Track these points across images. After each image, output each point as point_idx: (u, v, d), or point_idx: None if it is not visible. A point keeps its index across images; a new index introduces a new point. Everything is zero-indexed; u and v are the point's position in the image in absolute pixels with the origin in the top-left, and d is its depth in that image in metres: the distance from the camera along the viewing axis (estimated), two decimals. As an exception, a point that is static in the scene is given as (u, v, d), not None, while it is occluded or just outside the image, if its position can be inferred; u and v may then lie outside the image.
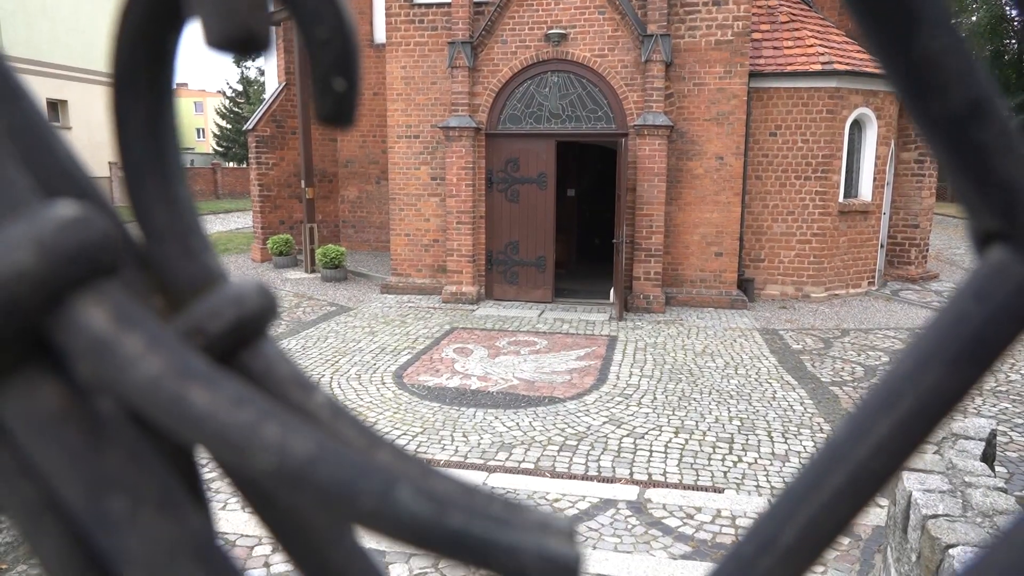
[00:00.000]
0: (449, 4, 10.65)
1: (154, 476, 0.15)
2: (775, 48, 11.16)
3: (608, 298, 10.75)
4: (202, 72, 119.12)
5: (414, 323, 9.66)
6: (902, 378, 0.18)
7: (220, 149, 50.08)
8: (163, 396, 0.14)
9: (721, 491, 4.63)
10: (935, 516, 2.64)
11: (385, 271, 13.16)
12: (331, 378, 7.09)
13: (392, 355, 8.03)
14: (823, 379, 7.23)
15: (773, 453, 5.31)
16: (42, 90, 23.21)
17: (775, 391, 6.79)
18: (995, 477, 3.79)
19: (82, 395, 0.15)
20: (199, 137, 65.50)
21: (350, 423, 0.16)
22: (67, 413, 0.15)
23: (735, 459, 5.19)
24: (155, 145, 0.18)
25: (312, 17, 0.16)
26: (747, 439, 5.58)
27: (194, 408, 0.14)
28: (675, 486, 4.72)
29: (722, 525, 4.08)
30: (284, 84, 14.86)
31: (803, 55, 10.93)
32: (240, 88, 51.00)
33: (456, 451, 5.31)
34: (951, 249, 17.72)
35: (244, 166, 44.37)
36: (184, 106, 64.97)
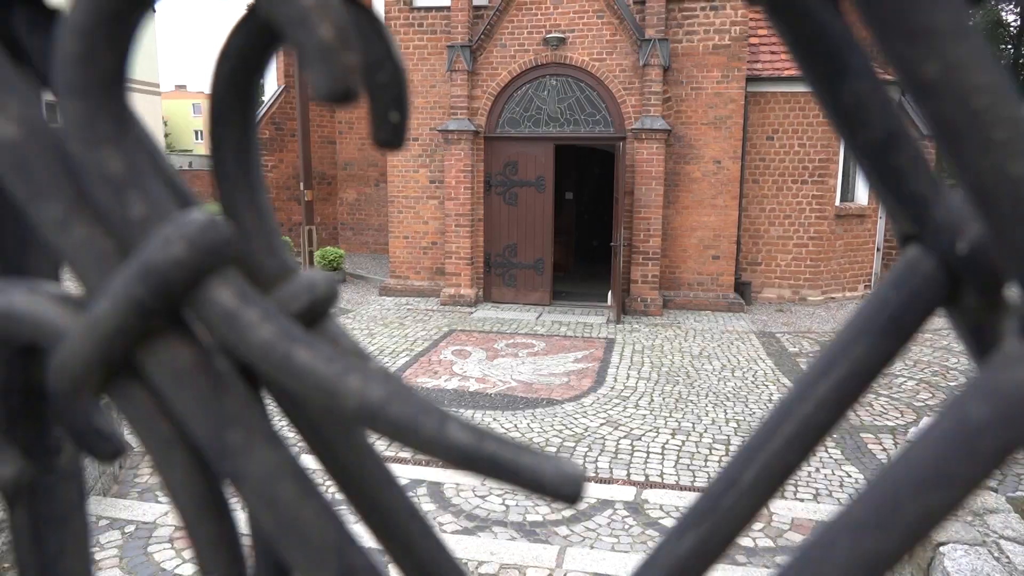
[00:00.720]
0: (448, 8, 10.71)
1: (261, 415, 0.20)
2: (772, 52, 11.23)
3: (606, 301, 10.81)
4: (201, 74, 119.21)
5: (412, 325, 9.70)
6: (837, 349, 0.22)
7: (218, 151, 50.16)
8: (275, 354, 0.18)
9: (717, 492, 4.67)
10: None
11: (383, 273, 13.20)
12: (330, 380, 7.13)
13: (391, 357, 8.07)
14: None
15: (769, 454, 5.35)
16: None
17: (772, 394, 6.84)
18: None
19: (207, 354, 0.19)
20: (197, 139, 65.59)
21: (400, 382, 0.20)
22: (197, 367, 0.19)
23: (730, 459, 5.23)
24: (244, 164, 0.22)
25: (375, 65, 0.20)
26: (743, 441, 5.61)
27: (298, 363, 0.18)
28: (672, 487, 4.77)
29: (718, 525, 4.13)
30: (283, 87, 14.91)
31: (800, 60, 11.00)
32: (239, 90, 51.12)
33: (455, 452, 5.36)
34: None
35: (242, 168, 44.48)
36: (182, 108, 65.00)
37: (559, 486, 0.19)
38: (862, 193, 11.58)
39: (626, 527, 4.07)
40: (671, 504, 4.42)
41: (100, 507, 4.00)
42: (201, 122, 66.75)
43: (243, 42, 0.20)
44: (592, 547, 3.77)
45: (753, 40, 11.16)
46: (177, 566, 3.40)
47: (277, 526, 0.18)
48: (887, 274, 0.23)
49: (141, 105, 27.84)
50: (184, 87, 69.86)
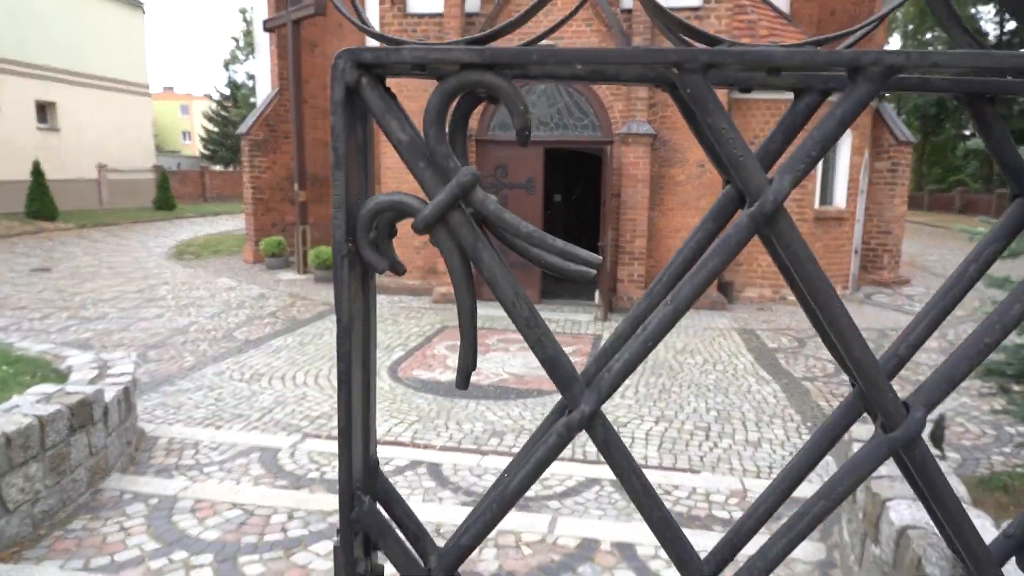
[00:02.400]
0: (442, 15, 11.03)
1: (485, 241, 0.52)
2: (754, 61, 11.61)
3: (593, 299, 11.14)
4: (188, 76, 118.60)
5: (406, 322, 9.99)
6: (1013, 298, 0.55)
7: (207, 152, 50.04)
8: (503, 217, 0.50)
9: (697, 472, 5.01)
10: (878, 477, 3.03)
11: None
12: (329, 372, 7.41)
13: (386, 351, 8.36)
14: (796, 375, 7.65)
15: (747, 440, 5.70)
16: (31, 92, 23.29)
17: (750, 385, 7.19)
18: (943, 456, 4.21)
19: (470, 217, 0.51)
20: (185, 140, 65.26)
21: (532, 228, 0.52)
22: (466, 221, 0.52)
23: (711, 445, 5.58)
24: (462, 154, 0.54)
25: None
26: (723, 427, 5.98)
27: (511, 221, 0.50)
28: (655, 468, 5.10)
29: (697, 500, 4.46)
30: (278, 90, 15.14)
31: (781, 68, 11.40)
32: (228, 92, 51.05)
33: (451, 437, 5.66)
34: (924, 255, 18.31)
35: (231, 169, 44.43)
36: (170, 109, 64.61)
37: (588, 259, 0.50)
38: (840, 197, 12.00)
39: (612, 501, 4.39)
40: (655, 482, 4.72)
41: (122, 483, 4.28)
42: (188, 123, 66.68)
43: (466, 102, 0.52)
44: (580, 517, 4.10)
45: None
46: (200, 532, 3.69)
47: (491, 282, 0.50)
48: (998, 220, 0.56)
49: (132, 107, 27.88)
50: (171, 88, 69.58)
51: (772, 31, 12.16)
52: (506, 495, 0.74)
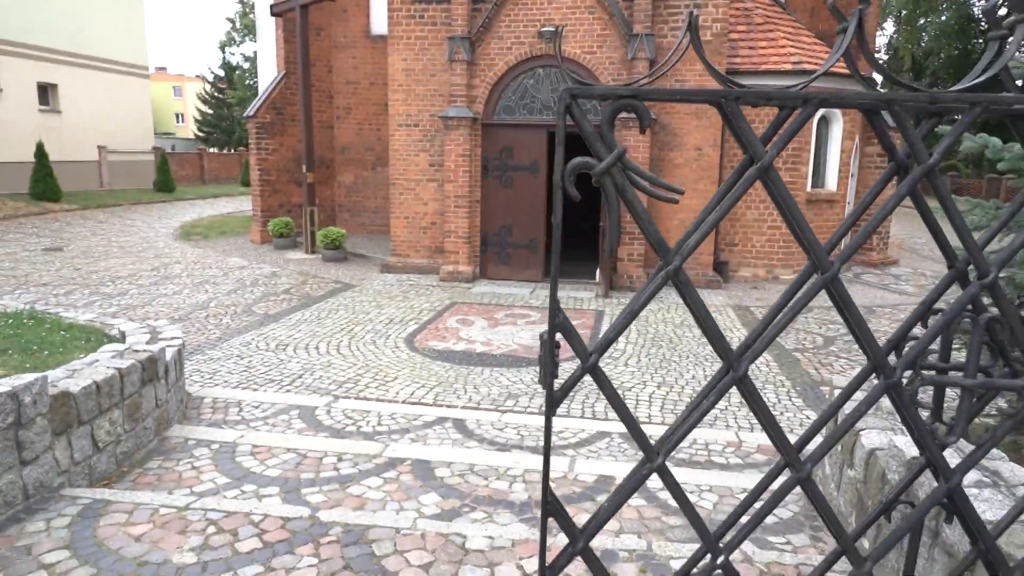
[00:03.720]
0: (449, 1, 11.38)
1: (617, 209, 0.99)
2: (750, 48, 12.06)
3: (594, 278, 11.63)
4: (179, 56, 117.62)
5: (416, 298, 10.45)
6: None
7: (201, 134, 50.00)
8: (637, 169, 0.96)
9: (699, 428, 5.52)
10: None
11: (382, 252, 13.90)
12: (349, 342, 7.88)
13: (400, 325, 8.82)
14: (787, 347, 8.17)
15: (741, 402, 6.21)
16: (33, 74, 23.42)
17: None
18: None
19: (622, 170, 0.98)
20: (179, 122, 65.13)
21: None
22: (620, 172, 0.98)
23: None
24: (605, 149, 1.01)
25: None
26: (725, 404, 6.48)
27: (642, 172, 0.96)
28: (658, 424, 5.61)
29: (697, 449, 4.97)
30: (284, 73, 15.45)
31: (776, 55, 11.85)
32: (222, 73, 50.93)
33: (470, 399, 6.14)
34: (912, 238, 18.87)
35: (227, 152, 44.52)
36: (162, 90, 64.25)
37: (674, 189, 0.97)
38: (832, 180, 12.49)
39: (622, 449, 4.89)
40: (657, 435, 5.25)
41: (183, 432, 4.75)
42: (181, 105, 66.48)
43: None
44: (596, 460, 4.60)
45: (733, 35, 11.98)
46: (263, 470, 4.16)
47: (632, 208, 0.96)
48: None
49: (131, 89, 28.00)
50: (164, 69, 69.23)
51: (767, 19, 12.57)
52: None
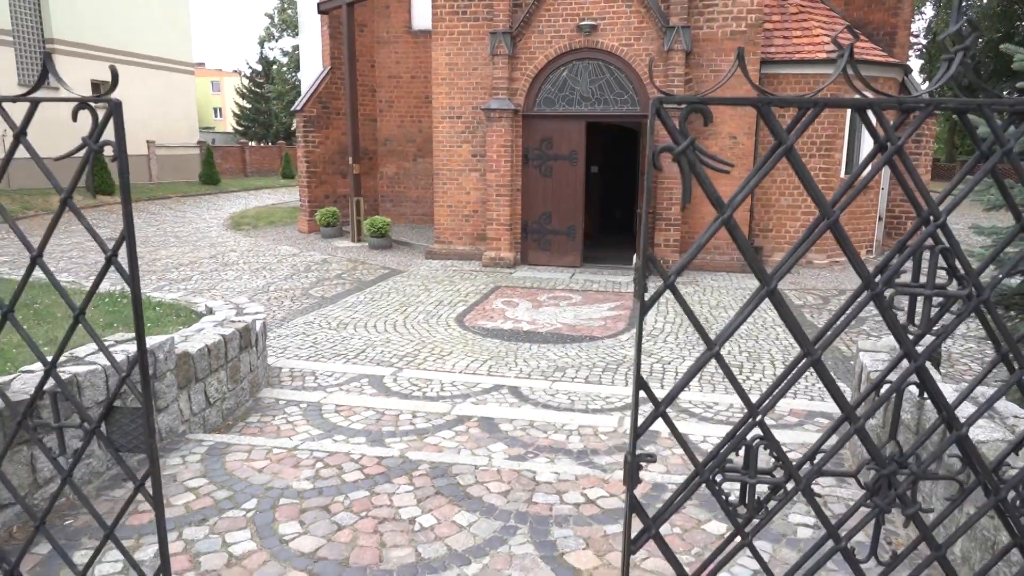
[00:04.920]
0: (491, -3, 11.85)
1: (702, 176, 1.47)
2: (785, 37, 12.32)
3: (630, 264, 12.05)
4: (216, 52, 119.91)
5: (461, 283, 11.00)
6: None
7: (240, 128, 51.29)
8: (703, 151, 1.44)
9: (731, 394, 5.96)
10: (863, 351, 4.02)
11: (425, 240, 14.49)
12: (404, 321, 8.45)
13: (449, 306, 9.37)
14: (819, 325, 8.51)
15: (774, 374, 6.63)
16: (87, 72, 24.48)
17: (778, 334, 8.09)
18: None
19: (694, 151, 1.45)
20: (217, 116, 66.77)
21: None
22: (692, 151, 1.45)
23: (743, 378, 6.52)
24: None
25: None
26: (754, 365, 6.91)
27: (707, 152, 1.45)
28: (697, 391, 6.07)
29: (733, 412, 5.42)
30: (329, 68, 16.08)
31: (810, 44, 12.09)
32: (259, 68, 52.12)
33: (521, 371, 6.66)
34: (949, 222, 18.85)
35: (267, 145, 45.65)
36: (202, 85, 65.76)
37: (725, 162, 1.44)
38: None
39: (665, 413, 5.37)
40: (697, 400, 5.71)
41: (273, 394, 5.35)
42: (219, 99, 68.14)
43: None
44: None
45: (768, 26, 12.25)
46: (349, 424, 4.74)
47: (702, 181, 1.43)
48: None
49: (178, 85, 29.03)
50: (203, 64, 70.87)
51: (801, 8, 12.80)
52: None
